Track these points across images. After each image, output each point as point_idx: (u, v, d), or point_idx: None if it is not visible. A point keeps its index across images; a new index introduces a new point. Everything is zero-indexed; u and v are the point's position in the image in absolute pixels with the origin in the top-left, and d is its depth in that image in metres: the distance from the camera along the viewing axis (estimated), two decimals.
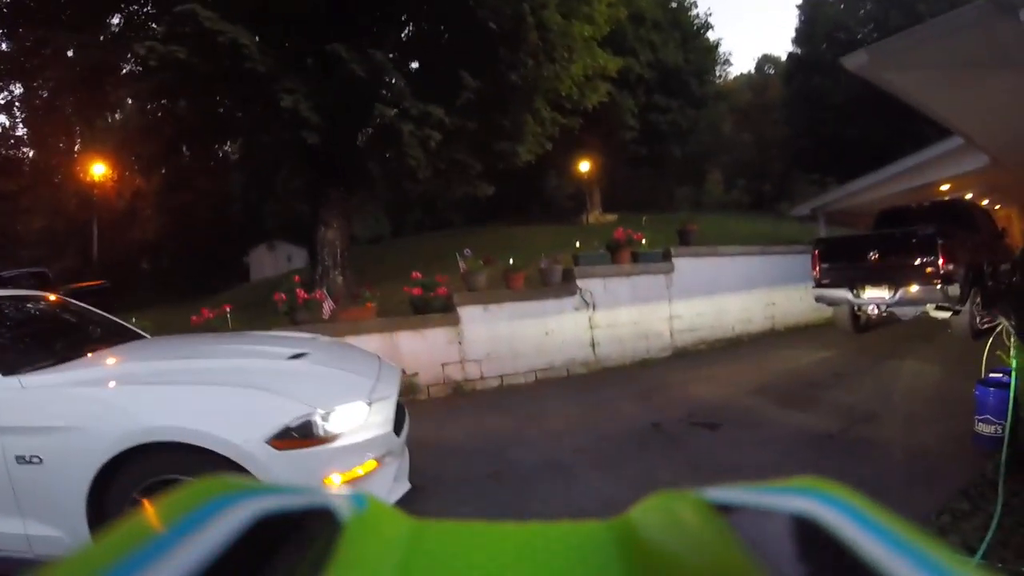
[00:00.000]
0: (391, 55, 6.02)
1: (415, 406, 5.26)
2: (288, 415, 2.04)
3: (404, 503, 2.37)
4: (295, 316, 5.13)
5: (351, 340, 5.21)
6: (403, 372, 5.27)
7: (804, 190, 19.86)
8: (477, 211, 19.43)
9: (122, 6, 5.62)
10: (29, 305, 2.95)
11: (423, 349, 5.53)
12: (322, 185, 7.84)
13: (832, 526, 0.24)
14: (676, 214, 9.88)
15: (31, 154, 11.58)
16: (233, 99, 6.59)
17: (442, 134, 6.70)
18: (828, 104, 20.17)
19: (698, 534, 0.26)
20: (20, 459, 1.90)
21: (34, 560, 1.97)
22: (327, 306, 5.30)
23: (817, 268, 6.73)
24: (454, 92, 6.63)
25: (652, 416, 4.13)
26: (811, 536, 0.24)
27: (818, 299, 6.81)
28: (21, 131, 11.15)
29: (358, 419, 2.26)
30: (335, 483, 2.11)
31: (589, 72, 8.50)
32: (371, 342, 5.30)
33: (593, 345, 6.28)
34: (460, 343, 5.67)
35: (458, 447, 3.78)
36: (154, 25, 5.00)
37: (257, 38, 5.24)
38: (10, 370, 2.06)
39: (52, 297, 3.19)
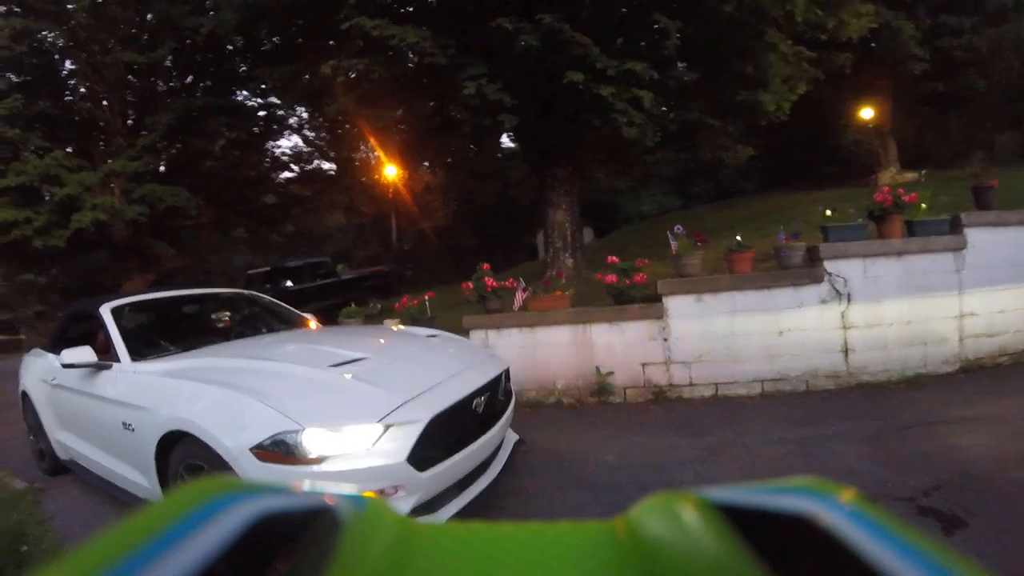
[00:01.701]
0: (560, 16, 5.32)
1: (604, 409, 4.71)
2: (271, 427, 1.94)
3: None
4: (486, 304, 5.16)
5: (539, 331, 5.00)
6: (598, 370, 4.82)
7: None
8: (769, 177, 16.51)
9: (317, 37, 6.60)
10: (210, 301, 3.73)
11: (620, 345, 4.87)
12: (543, 166, 7.72)
13: (832, 526, 0.23)
14: (1001, 169, 6.40)
15: (322, 165, 15.13)
16: (430, 96, 7.02)
17: (656, 91, 5.65)
18: None
19: (698, 534, 0.26)
20: (124, 425, 2.41)
21: (140, 499, 2.47)
22: (519, 295, 5.17)
23: None
24: (658, 42, 5.49)
25: (875, 479, 2.73)
26: (811, 536, 0.23)
27: None
28: (308, 148, 14.74)
29: (360, 444, 1.99)
30: None
31: None
32: (561, 334, 4.97)
33: (846, 351, 4.48)
34: (665, 340, 4.79)
35: (592, 475, 3.16)
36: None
37: (428, 33, 5.37)
38: (137, 356, 2.61)
39: (244, 293, 3.94)
